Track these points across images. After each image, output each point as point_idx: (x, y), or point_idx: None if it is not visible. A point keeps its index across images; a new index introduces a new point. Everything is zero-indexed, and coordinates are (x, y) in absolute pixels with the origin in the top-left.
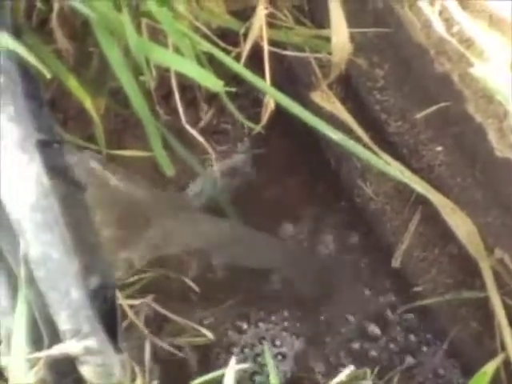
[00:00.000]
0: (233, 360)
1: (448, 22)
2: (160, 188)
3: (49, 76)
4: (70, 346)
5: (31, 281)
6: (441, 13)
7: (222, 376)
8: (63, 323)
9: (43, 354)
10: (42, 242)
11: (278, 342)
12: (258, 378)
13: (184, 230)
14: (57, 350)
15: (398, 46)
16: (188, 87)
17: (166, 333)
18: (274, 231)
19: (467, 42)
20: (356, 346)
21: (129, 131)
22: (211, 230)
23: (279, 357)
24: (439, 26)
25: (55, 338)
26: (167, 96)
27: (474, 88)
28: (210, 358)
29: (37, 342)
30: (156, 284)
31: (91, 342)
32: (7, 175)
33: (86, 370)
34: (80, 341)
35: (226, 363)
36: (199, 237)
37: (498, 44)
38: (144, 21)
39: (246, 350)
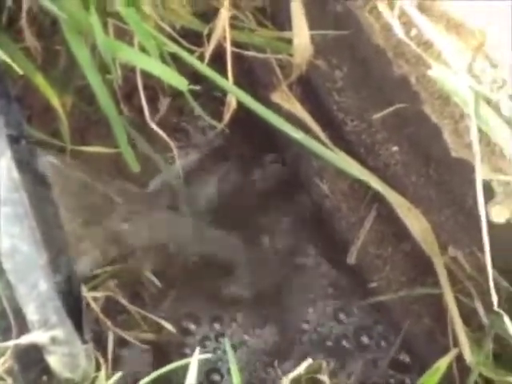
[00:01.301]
0: (197, 350)
1: (406, 25)
2: (121, 185)
3: (21, 73)
4: (37, 336)
5: (0, 272)
6: (400, 17)
7: (183, 368)
8: (31, 314)
9: (11, 343)
10: (11, 235)
11: (234, 338)
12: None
13: (146, 226)
14: (25, 340)
15: (357, 48)
16: (150, 87)
17: (123, 325)
18: (230, 228)
19: (425, 45)
20: (311, 341)
21: (92, 129)
22: (172, 226)
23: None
24: (398, 29)
25: (23, 328)
26: (130, 95)
27: (430, 90)
28: (169, 351)
29: (5, 332)
30: (116, 278)
31: (58, 333)
32: None
33: (52, 360)
34: (47, 331)
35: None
36: (160, 233)
37: (455, 47)
38: (110, 21)
39: (205, 343)
